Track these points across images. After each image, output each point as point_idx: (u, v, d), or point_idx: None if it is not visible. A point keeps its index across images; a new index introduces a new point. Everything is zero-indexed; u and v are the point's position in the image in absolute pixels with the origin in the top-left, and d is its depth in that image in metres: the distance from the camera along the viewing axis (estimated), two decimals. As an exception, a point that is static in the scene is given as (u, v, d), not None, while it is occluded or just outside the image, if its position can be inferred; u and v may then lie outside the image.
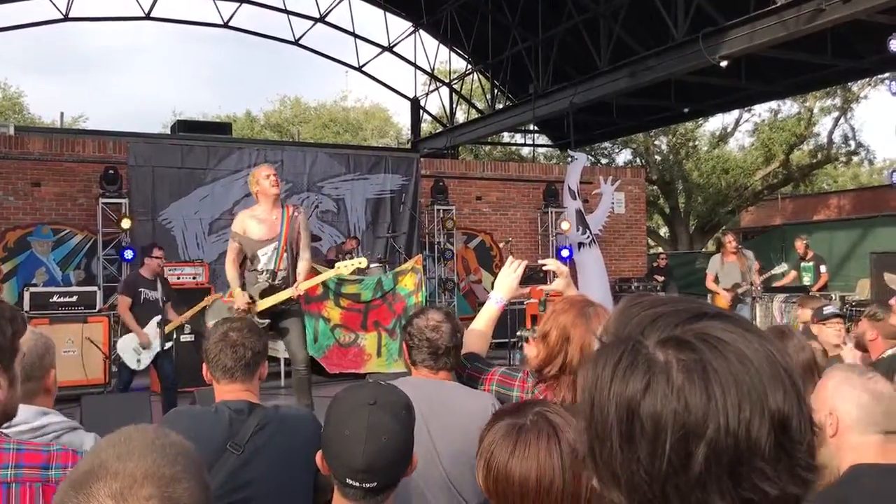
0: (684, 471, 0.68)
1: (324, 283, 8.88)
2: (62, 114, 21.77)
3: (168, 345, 7.39)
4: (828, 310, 4.49)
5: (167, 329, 7.36)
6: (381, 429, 1.51)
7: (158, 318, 7.33)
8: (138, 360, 7.30)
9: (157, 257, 7.38)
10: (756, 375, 0.69)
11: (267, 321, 5.91)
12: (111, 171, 11.26)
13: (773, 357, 0.71)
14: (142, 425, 1.05)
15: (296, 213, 6.06)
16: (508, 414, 1.45)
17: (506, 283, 2.81)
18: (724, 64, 10.46)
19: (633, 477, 0.71)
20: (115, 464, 0.94)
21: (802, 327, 4.98)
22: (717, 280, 9.61)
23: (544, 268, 2.90)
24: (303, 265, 6.11)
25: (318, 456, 1.59)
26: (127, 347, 7.29)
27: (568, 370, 2.23)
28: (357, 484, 1.50)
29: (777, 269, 10.79)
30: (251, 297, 5.85)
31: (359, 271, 10.76)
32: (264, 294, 5.91)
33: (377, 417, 1.52)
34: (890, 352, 3.87)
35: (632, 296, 0.82)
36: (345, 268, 6.35)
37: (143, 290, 7.32)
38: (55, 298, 9.09)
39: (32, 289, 9.37)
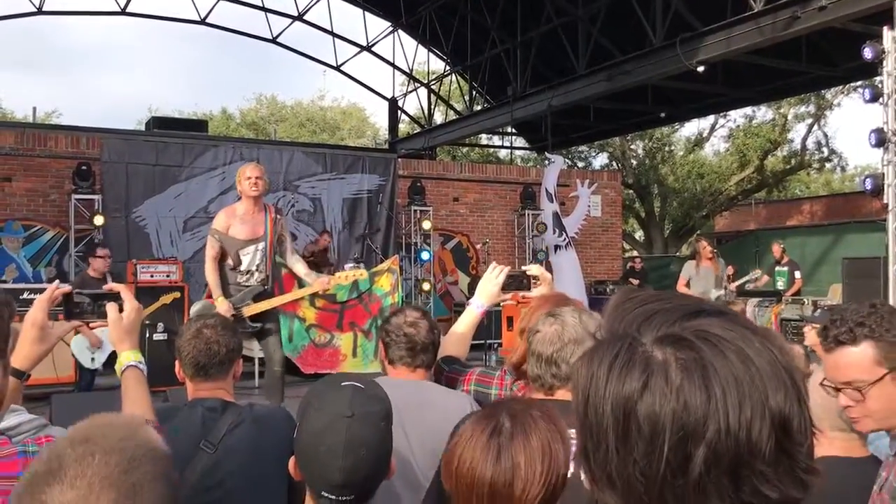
0: (683, 473, 0.66)
1: (299, 282, 8.86)
2: (34, 108, 21.36)
3: None
4: None
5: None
6: (359, 442, 1.44)
7: None
8: (92, 359, 7.21)
9: (100, 257, 7.26)
10: (757, 375, 0.67)
11: (259, 325, 5.87)
12: (84, 167, 11.11)
13: (773, 356, 0.69)
14: (110, 417, 0.98)
15: (279, 216, 6.03)
16: (482, 411, 1.42)
17: (487, 289, 2.80)
18: (701, 69, 10.52)
19: (629, 479, 0.68)
20: (74, 467, 0.88)
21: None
22: (688, 285, 9.66)
23: (528, 272, 2.88)
24: (302, 266, 6.17)
25: (291, 463, 1.53)
26: (80, 347, 7.19)
27: None
28: (334, 497, 1.44)
29: (750, 276, 10.90)
30: (235, 306, 5.77)
31: (333, 270, 10.74)
32: (258, 298, 5.87)
33: (355, 431, 1.44)
34: None
35: (625, 290, 0.79)
36: (345, 278, 6.35)
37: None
38: (25, 295, 8.91)
39: (2, 285, 9.21)
